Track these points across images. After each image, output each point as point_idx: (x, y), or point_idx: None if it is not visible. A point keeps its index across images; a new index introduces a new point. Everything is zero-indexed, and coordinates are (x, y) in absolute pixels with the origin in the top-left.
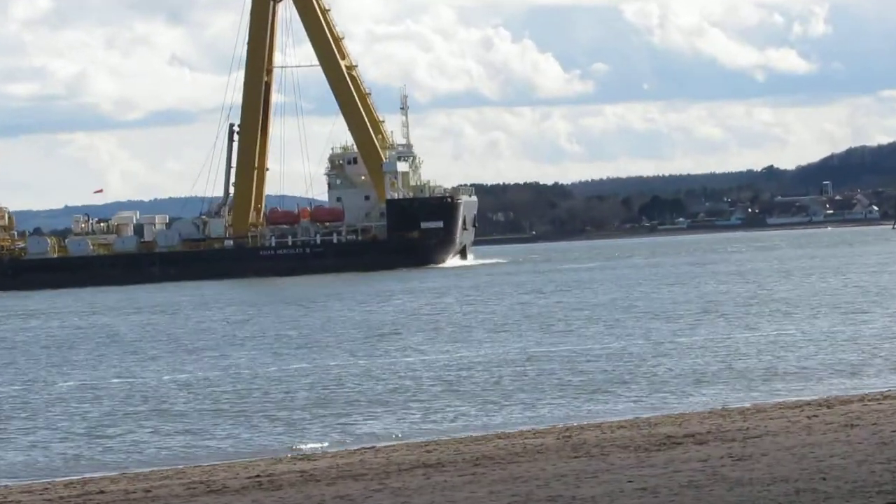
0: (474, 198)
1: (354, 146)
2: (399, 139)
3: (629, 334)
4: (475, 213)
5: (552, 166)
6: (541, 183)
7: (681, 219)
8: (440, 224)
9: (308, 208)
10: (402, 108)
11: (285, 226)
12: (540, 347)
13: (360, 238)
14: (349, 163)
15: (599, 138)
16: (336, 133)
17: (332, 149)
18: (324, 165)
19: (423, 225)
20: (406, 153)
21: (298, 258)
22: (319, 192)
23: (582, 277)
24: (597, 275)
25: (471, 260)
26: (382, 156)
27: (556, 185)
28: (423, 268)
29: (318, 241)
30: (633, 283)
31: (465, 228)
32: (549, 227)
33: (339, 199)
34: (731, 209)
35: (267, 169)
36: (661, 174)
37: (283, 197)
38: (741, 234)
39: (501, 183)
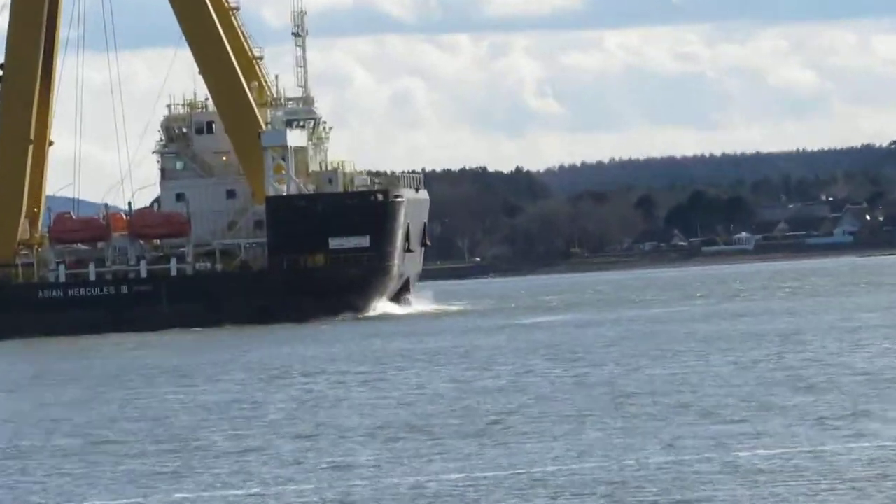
0: (424, 193)
1: (209, 102)
2: (290, 90)
3: (627, 444)
4: (425, 220)
5: (512, 140)
6: (491, 170)
7: (743, 234)
8: (364, 241)
9: (123, 214)
10: (295, 35)
11: (83, 245)
12: (464, 470)
13: (218, 267)
14: (200, 132)
15: (594, 90)
16: (176, 81)
17: (169, 107)
18: (153, 138)
19: (334, 243)
20: (303, 114)
21: (107, 304)
22: (145, 184)
23: (556, 339)
24: (578, 335)
25: (417, 304)
26: (260, 119)
27: (518, 173)
28: (331, 319)
29: (144, 273)
30: (642, 351)
31: (408, 249)
32: (504, 250)
33: (180, 197)
34: (834, 216)
35: (51, 143)
36: (706, 153)
37: (78, 200)
38: (852, 259)
39: (421, 169)
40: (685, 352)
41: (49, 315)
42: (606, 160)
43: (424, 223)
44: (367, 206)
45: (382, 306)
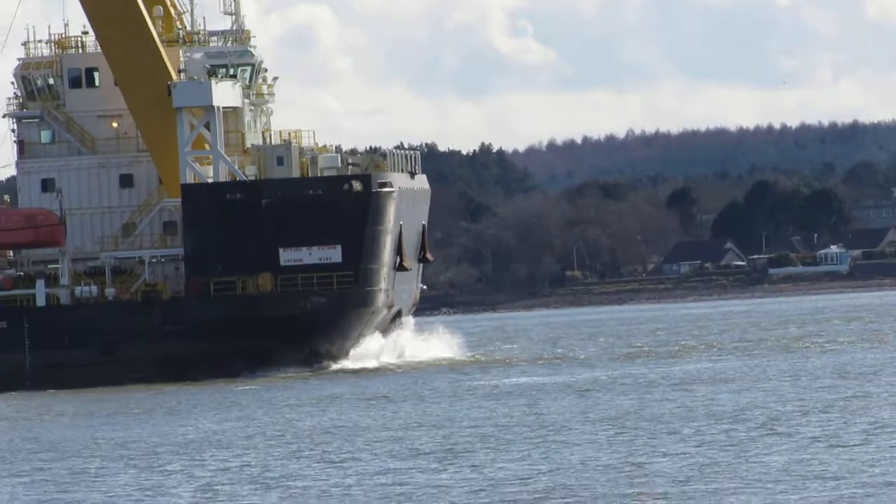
0: (422, 181)
1: (89, 37)
2: (214, 20)
3: None
4: (424, 222)
5: (472, 103)
6: (443, 149)
7: (833, 248)
8: (333, 254)
9: None
10: None
11: None
12: None
13: (109, 293)
14: (76, 84)
15: (597, 24)
16: (36, 5)
17: (26, 46)
18: (2, 93)
19: (287, 256)
20: (235, 56)
21: None
22: None
23: (546, 412)
24: (548, 405)
25: (413, 349)
26: (170, 65)
27: (485, 153)
28: (280, 373)
29: None
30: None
31: (400, 266)
32: (463, 272)
33: (47, 186)
34: None
35: None
36: (774, 124)
37: None
38: None
39: (349, 149)
40: (726, 431)
41: None
42: (621, 134)
43: (423, 226)
44: (339, 201)
45: (362, 352)
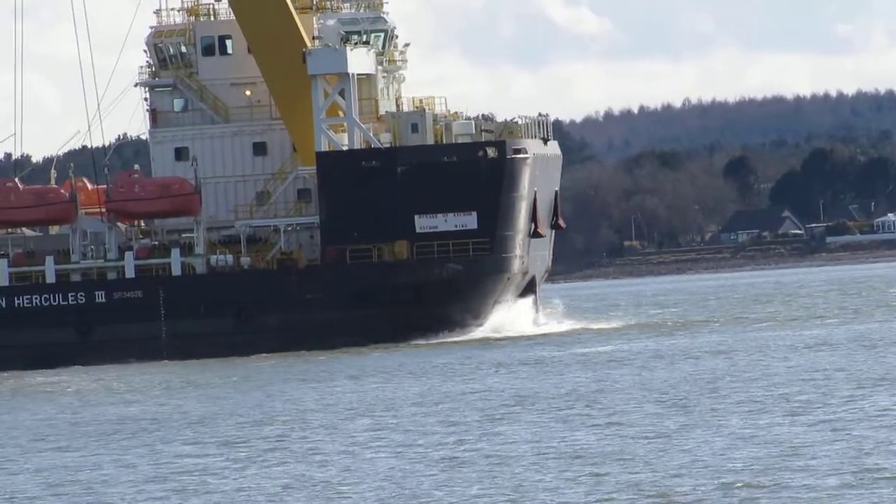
0: (554, 147)
1: (222, 5)
2: None
3: None
4: (557, 188)
5: (528, 73)
6: (500, 120)
7: (890, 216)
8: (469, 221)
9: (86, 182)
10: None
11: (33, 230)
12: None
13: (245, 262)
14: (208, 52)
15: None
16: None
17: (158, 14)
18: (135, 61)
19: (423, 223)
20: (368, 23)
21: (74, 319)
22: (125, 135)
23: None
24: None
25: (547, 318)
26: (304, 33)
27: (541, 124)
28: (417, 340)
29: (131, 272)
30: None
31: (534, 233)
32: None
33: (181, 155)
34: None
35: None
36: (831, 92)
37: (23, 159)
38: None
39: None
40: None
41: None
42: (678, 103)
43: (556, 193)
44: (474, 168)
45: (500, 318)
